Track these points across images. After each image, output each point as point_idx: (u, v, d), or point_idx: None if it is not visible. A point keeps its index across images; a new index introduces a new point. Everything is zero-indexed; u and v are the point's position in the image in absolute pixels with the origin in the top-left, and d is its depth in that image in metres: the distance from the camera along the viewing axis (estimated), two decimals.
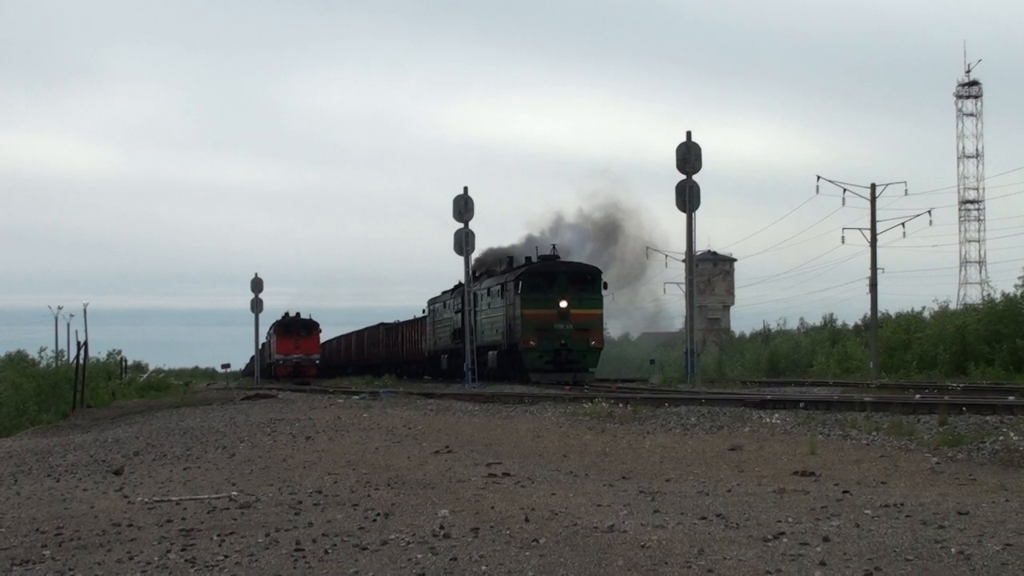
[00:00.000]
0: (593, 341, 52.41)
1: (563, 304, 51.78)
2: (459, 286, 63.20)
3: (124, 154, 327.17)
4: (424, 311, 74.95)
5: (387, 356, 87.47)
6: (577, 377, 50.63)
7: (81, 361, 53.49)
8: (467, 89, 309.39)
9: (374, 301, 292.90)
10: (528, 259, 57.86)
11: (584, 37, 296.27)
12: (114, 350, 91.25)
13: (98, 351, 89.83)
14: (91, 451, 24.07)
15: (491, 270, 63.33)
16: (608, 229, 72.19)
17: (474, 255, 64.30)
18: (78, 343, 54.86)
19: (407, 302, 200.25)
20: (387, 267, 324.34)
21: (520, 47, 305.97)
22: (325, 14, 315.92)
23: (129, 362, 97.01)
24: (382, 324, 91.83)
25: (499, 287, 56.27)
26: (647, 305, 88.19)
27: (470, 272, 57.62)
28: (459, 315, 61.60)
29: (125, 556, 10.87)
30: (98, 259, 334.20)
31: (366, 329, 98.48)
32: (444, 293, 68.63)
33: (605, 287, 54.18)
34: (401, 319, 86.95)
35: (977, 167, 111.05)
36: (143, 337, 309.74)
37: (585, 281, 53.15)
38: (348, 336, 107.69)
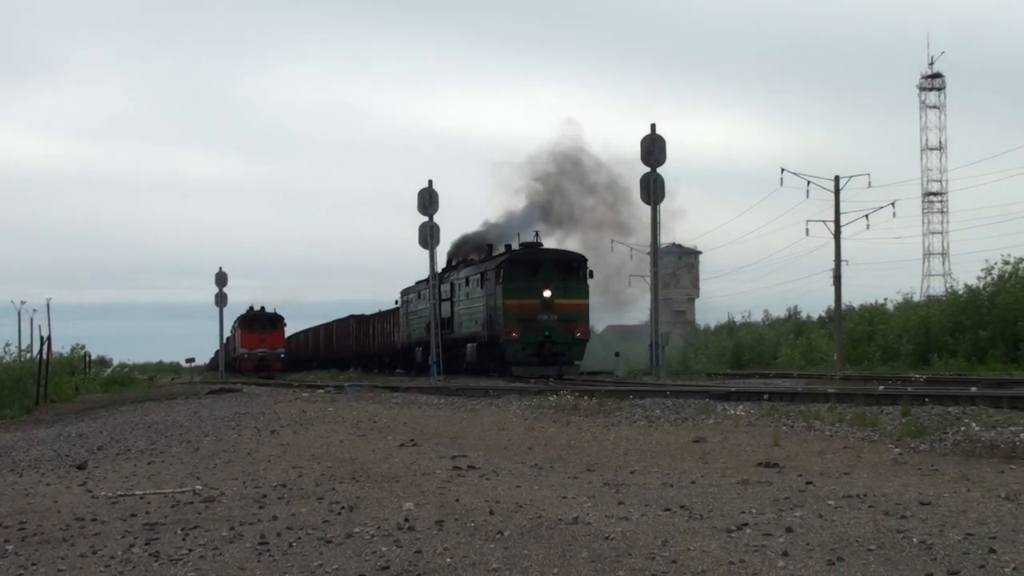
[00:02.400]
0: (579, 332, 50.41)
1: (547, 294, 49.90)
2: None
3: (86, 147, 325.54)
4: (397, 302, 72.74)
5: (358, 349, 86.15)
6: (562, 370, 48.83)
7: (44, 356, 53.31)
8: (432, 81, 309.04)
9: (340, 294, 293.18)
10: (508, 247, 55.71)
11: (548, 28, 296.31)
12: (78, 344, 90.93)
13: (61, 346, 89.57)
14: (54, 446, 23.99)
15: (468, 258, 61.52)
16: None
17: (450, 241, 63.36)
18: (41, 338, 54.61)
19: (375, 296, 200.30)
20: (354, 260, 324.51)
21: (485, 38, 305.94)
22: (288, 5, 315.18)
23: (93, 357, 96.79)
24: (352, 316, 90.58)
25: (479, 276, 54.34)
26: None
27: (435, 263, 56.32)
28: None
29: (88, 550, 10.83)
30: (61, 253, 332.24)
31: (335, 321, 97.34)
32: (419, 283, 65.96)
33: (591, 275, 51.96)
34: (369, 312, 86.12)
35: (940, 159, 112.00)
36: (107, 331, 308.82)
37: (570, 269, 51.24)
38: (316, 329, 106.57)
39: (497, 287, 50.99)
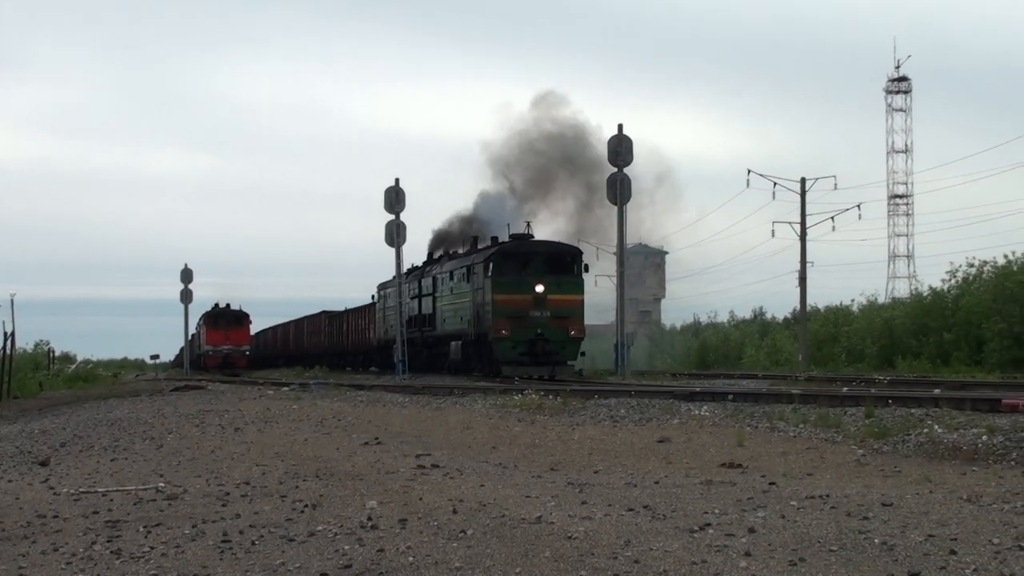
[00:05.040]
0: (573, 330, 46.98)
1: (539, 289, 46.61)
2: (414, 269, 60.59)
3: (50, 142, 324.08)
4: (373, 297, 70.66)
5: (330, 347, 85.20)
6: (555, 370, 46.07)
7: (8, 352, 53.05)
8: (398, 78, 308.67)
9: (307, 292, 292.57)
10: (494, 239, 52.86)
11: (514, 28, 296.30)
12: (42, 340, 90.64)
13: (25, 342, 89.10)
14: (17, 442, 23.88)
15: (451, 251, 59.48)
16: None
17: (432, 231, 62.24)
18: (5, 333, 54.27)
19: (344, 294, 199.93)
20: (321, 258, 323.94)
21: (451, 36, 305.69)
22: (253, 3, 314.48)
23: (57, 353, 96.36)
24: (325, 312, 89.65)
25: (464, 269, 51.14)
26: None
27: (402, 262, 55.55)
28: (416, 300, 58.14)
29: (50, 548, 10.80)
30: (25, 249, 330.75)
31: (306, 318, 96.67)
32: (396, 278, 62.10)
33: (586, 269, 49.10)
34: (337, 309, 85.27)
35: (906, 162, 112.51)
36: (71, 327, 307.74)
37: (564, 263, 48.17)
38: (286, 326, 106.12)
39: (486, 281, 48.01)
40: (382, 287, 67.00)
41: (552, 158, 63.19)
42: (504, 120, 67.57)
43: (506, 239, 51.58)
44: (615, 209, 51.80)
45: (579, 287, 48.35)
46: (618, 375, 47.78)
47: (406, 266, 60.39)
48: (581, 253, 49.86)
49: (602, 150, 54.24)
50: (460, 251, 57.82)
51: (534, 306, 46.67)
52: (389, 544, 10.31)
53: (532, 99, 69.43)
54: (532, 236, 51.54)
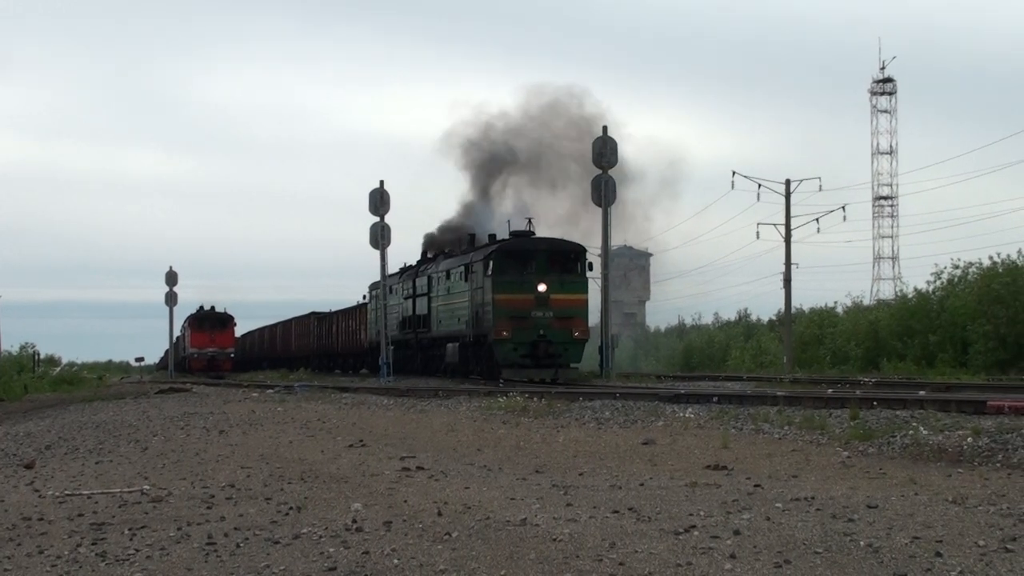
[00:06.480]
0: (577, 332, 44.89)
1: (542, 288, 44.52)
2: (407, 269, 59.82)
3: (34, 144, 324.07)
4: (365, 297, 68.52)
5: (319, 348, 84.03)
6: (558, 373, 43.98)
7: None
8: (380, 82, 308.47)
9: (294, 294, 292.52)
10: (492, 236, 51.07)
11: (498, 29, 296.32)
12: (27, 343, 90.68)
13: (10, 344, 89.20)
14: (2, 445, 23.85)
15: (447, 250, 57.32)
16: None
17: (428, 230, 61.74)
18: None
19: (330, 296, 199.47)
20: (306, 260, 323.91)
21: (431, 39, 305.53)
22: (236, 5, 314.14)
23: (42, 355, 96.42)
24: (314, 313, 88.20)
25: (462, 268, 48.66)
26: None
27: (386, 265, 54.67)
28: (410, 301, 56.72)
29: (35, 550, 10.76)
30: (10, 251, 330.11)
31: (293, 319, 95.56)
32: (390, 277, 58.90)
33: (590, 268, 46.81)
34: (325, 310, 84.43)
35: (891, 163, 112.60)
36: (56, 330, 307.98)
37: (568, 261, 45.92)
38: (273, 327, 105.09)
39: (485, 280, 45.68)
40: (374, 287, 64.72)
41: (541, 153, 62.82)
42: (489, 118, 66.48)
43: (505, 236, 49.47)
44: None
45: (583, 286, 46.51)
46: (603, 377, 47.54)
47: (401, 266, 60.18)
48: (585, 251, 47.63)
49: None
50: (456, 250, 55.76)
51: (536, 306, 44.69)
52: (374, 546, 10.30)
53: (521, 95, 69.06)
54: (533, 233, 49.32)
